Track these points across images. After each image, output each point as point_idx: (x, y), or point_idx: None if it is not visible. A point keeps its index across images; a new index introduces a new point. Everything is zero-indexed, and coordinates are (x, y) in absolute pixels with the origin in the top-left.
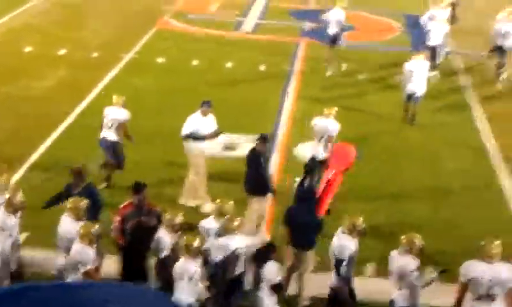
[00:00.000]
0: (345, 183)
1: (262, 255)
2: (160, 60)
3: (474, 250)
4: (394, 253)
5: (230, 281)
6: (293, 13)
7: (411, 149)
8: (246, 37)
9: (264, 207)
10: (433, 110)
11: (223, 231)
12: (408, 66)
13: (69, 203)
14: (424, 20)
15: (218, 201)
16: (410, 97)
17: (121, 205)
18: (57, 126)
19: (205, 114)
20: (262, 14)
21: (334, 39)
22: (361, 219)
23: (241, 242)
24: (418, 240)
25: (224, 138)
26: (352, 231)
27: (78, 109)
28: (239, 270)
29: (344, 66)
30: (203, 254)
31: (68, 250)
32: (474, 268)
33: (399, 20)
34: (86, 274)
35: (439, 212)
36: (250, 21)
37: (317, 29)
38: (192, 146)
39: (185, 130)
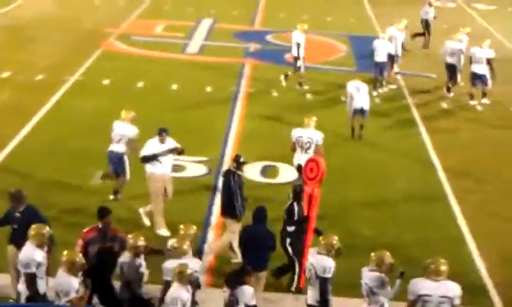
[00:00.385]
0: None
1: (237, 278)
2: (105, 82)
3: (420, 269)
4: (364, 269)
5: None
6: (237, 35)
7: (358, 167)
8: (191, 59)
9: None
10: (381, 127)
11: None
12: (352, 84)
13: (32, 230)
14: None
15: (182, 226)
16: (356, 113)
17: (85, 230)
18: (1, 151)
19: (162, 141)
20: (207, 36)
21: (295, 60)
22: (336, 238)
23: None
24: (388, 258)
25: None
26: (330, 251)
27: (23, 132)
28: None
29: (290, 86)
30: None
31: (29, 276)
32: (423, 286)
33: (344, 42)
34: (70, 302)
35: (385, 230)
36: (195, 43)
37: (261, 50)
38: (150, 170)
39: (143, 152)
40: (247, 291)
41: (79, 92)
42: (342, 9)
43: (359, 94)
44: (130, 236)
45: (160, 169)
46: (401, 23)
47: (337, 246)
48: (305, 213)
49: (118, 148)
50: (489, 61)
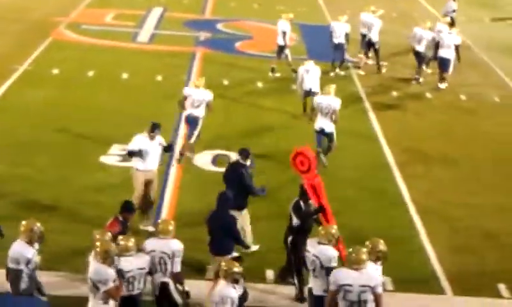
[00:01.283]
0: None
1: None
2: (55, 71)
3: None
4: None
5: None
6: (188, 24)
7: None
8: (142, 47)
9: (246, 220)
10: None
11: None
12: (303, 66)
13: (22, 226)
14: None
15: (160, 221)
16: (306, 94)
17: (107, 223)
18: None
19: (152, 138)
20: (157, 24)
21: (281, 48)
22: (335, 227)
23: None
24: (383, 246)
25: (120, 149)
26: (330, 240)
27: None
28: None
29: (241, 75)
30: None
31: (15, 272)
32: (344, 276)
33: (294, 30)
34: (107, 292)
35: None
36: (146, 32)
37: (212, 39)
38: (133, 166)
39: (130, 147)
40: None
41: (28, 82)
42: None
43: (308, 75)
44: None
45: (142, 166)
46: (378, 12)
47: (337, 235)
48: (316, 204)
49: (197, 112)
50: (456, 47)
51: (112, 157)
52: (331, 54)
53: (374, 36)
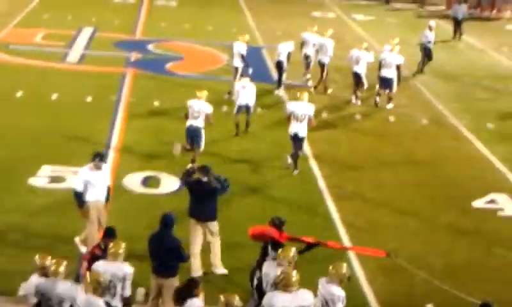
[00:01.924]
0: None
1: (184, 291)
2: None
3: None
4: (322, 280)
5: None
6: (118, 44)
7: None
8: (71, 68)
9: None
10: (261, 138)
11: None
12: (240, 83)
13: None
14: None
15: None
16: (241, 109)
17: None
18: None
19: (97, 167)
20: (87, 45)
21: (236, 71)
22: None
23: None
24: (346, 270)
25: (50, 170)
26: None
27: None
28: None
29: (172, 95)
30: None
31: None
32: (278, 300)
33: (225, 51)
34: None
35: None
36: (76, 52)
37: (142, 60)
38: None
39: (77, 185)
40: (196, 305)
41: None
42: (223, 19)
43: (244, 91)
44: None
45: (94, 197)
46: (328, 32)
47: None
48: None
49: (197, 123)
50: (397, 67)
51: (41, 178)
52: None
53: (325, 58)
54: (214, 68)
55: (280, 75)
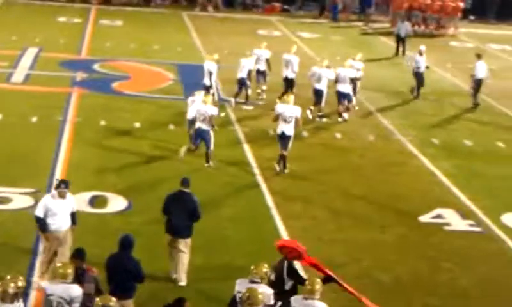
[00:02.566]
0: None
1: None
2: None
3: None
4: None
5: None
6: (64, 64)
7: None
8: (16, 88)
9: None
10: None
11: None
12: (191, 97)
13: None
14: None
15: (59, 265)
16: (190, 123)
17: None
18: None
19: (62, 195)
20: (32, 65)
21: (207, 89)
22: (266, 265)
23: None
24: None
25: None
26: (264, 278)
27: None
28: None
29: (118, 115)
30: None
31: None
32: None
33: (171, 70)
34: None
35: (214, 256)
36: (20, 72)
37: (88, 79)
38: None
39: (37, 211)
40: None
41: None
42: (169, 38)
43: (194, 105)
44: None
45: (53, 226)
46: (292, 48)
47: (269, 274)
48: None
49: (204, 125)
50: (352, 80)
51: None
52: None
53: (291, 74)
54: (161, 87)
55: (246, 90)
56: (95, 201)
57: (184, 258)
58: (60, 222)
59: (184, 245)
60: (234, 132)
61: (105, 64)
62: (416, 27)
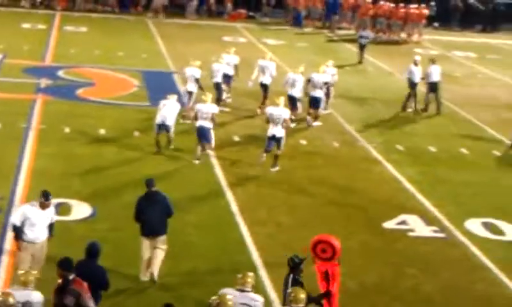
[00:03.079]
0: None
1: None
2: None
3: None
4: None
5: None
6: (28, 70)
7: None
8: None
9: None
10: (174, 158)
11: None
12: (163, 100)
13: None
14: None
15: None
16: (159, 127)
17: None
18: None
19: (43, 206)
20: None
21: (190, 95)
22: (252, 274)
23: None
24: (303, 294)
25: None
26: (254, 286)
27: None
28: None
29: (83, 122)
30: None
31: None
32: None
33: (136, 77)
34: None
35: (179, 263)
36: None
37: (53, 86)
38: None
39: (14, 219)
40: None
41: None
42: (134, 44)
43: (163, 109)
44: None
45: (30, 236)
46: (267, 55)
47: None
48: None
49: (206, 123)
50: (325, 84)
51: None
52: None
53: (267, 79)
54: (126, 94)
55: (220, 95)
56: (59, 209)
57: (161, 254)
58: (37, 233)
59: (162, 242)
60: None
61: (69, 70)
62: (380, 34)
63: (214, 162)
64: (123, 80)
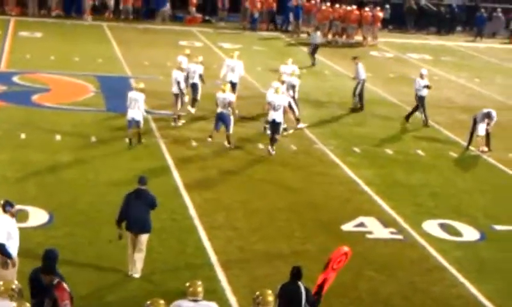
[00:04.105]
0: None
1: None
2: None
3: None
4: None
5: None
6: None
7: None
8: None
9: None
10: (133, 168)
11: None
12: (129, 94)
13: None
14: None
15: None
16: (130, 123)
17: None
18: None
19: (13, 215)
20: None
21: (176, 96)
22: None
23: None
24: (271, 296)
25: None
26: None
27: None
28: None
29: (39, 128)
30: None
31: None
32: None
33: (92, 82)
34: None
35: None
36: None
37: (8, 92)
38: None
39: (1, 238)
40: None
41: None
42: (90, 50)
43: (132, 105)
44: None
45: (14, 250)
46: (234, 53)
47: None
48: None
49: (226, 110)
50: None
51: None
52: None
53: (236, 78)
54: (82, 99)
55: (196, 94)
56: (16, 215)
57: (141, 256)
58: (17, 244)
59: (142, 242)
60: (156, 142)
61: (25, 76)
62: (337, 38)
63: (172, 166)
64: (79, 85)
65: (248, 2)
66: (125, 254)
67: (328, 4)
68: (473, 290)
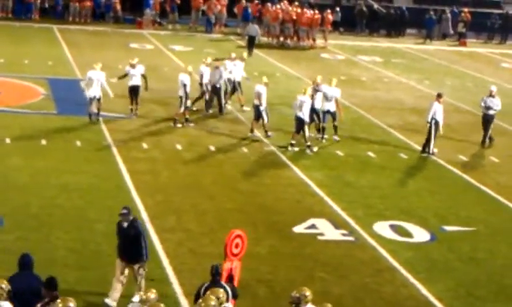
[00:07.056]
0: None
1: None
2: None
3: None
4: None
5: None
6: None
7: (61, 216)
8: None
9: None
10: (82, 172)
11: None
12: (89, 74)
13: None
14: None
15: None
16: (92, 100)
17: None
18: None
19: None
20: None
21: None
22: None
23: None
24: (309, 293)
25: None
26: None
27: None
28: None
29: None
30: None
31: None
32: None
33: (42, 85)
34: None
35: (87, 274)
36: None
37: None
38: None
39: None
40: None
41: None
42: (40, 52)
43: (94, 83)
44: None
45: None
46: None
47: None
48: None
49: (258, 102)
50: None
51: None
52: None
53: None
54: (32, 102)
55: (186, 99)
56: None
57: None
58: None
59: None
60: (108, 145)
61: None
62: (288, 40)
63: (124, 170)
64: (29, 88)
65: (205, 6)
66: (72, 257)
67: (278, 6)
68: (424, 290)
